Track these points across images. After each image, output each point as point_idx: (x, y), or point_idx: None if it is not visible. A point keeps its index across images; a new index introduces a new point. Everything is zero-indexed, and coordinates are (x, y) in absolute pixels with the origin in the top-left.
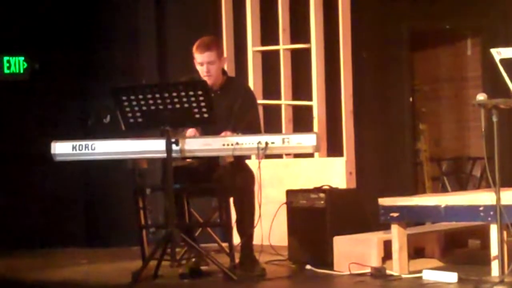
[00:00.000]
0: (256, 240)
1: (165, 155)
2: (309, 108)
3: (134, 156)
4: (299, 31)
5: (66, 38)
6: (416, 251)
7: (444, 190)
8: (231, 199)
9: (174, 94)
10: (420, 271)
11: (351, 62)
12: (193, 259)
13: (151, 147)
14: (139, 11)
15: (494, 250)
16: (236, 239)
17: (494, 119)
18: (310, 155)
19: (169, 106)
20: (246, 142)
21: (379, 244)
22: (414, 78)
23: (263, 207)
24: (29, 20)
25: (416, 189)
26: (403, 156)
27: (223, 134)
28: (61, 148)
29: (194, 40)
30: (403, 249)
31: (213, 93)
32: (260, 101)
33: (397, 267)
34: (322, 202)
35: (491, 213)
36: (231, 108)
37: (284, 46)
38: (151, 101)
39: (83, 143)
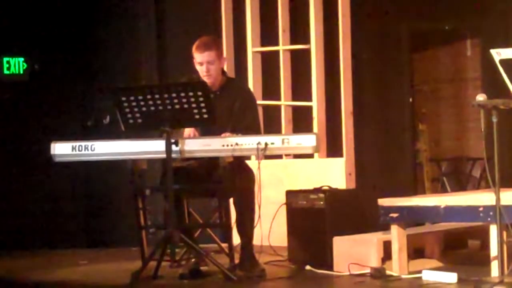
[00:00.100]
0: (256, 241)
1: (164, 155)
2: (309, 109)
3: (134, 157)
4: (299, 32)
5: (65, 39)
6: (415, 252)
7: (443, 190)
8: (231, 200)
9: (174, 94)
10: (419, 272)
11: (350, 63)
12: (193, 260)
13: (151, 147)
14: (139, 11)
15: (493, 250)
16: (236, 239)
17: (494, 119)
18: (310, 156)
19: (169, 107)
20: (246, 142)
21: (379, 244)
22: (413, 79)
23: (263, 208)
24: (29, 21)
25: (416, 190)
26: (403, 156)
27: (222, 135)
28: (61, 149)
29: (194, 41)
30: (403, 250)
31: (212, 94)
32: (259, 101)
33: (397, 267)
34: (321, 202)
35: (491, 213)
36: (230, 109)
37: (284, 46)
38: (150, 102)
39: (83, 143)
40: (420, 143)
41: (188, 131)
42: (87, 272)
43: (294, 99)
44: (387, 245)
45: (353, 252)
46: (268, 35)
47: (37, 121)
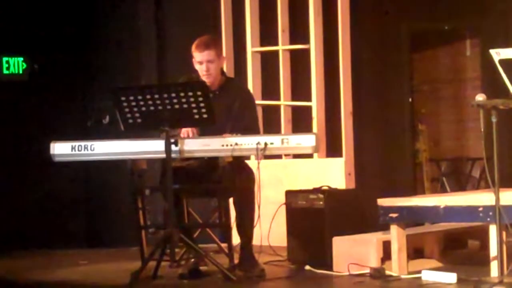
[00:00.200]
0: (255, 241)
1: (164, 155)
2: (308, 109)
3: (133, 157)
4: (298, 32)
5: (65, 39)
6: (415, 252)
7: (443, 190)
8: (231, 200)
9: (173, 94)
10: (419, 272)
11: (350, 63)
12: (192, 260)
13: (150, 147)
14: (138, 11)
15: (493, 250)
16: (235, 239)
17: (493, 119)
18: (309, 156)
19: (168, 107)
20: (245, 142)
21: (378, 244)
22: (413, 79)
23: (262, 208)
24: (29, 21)
25: (416, 190)
26: (403, 156)
27: (223, 135)
28: (60, 149)
29: (194, 40)
30: (402, 250)
31: (211, 93)
32: (259, 101)
33: (396, 267)
34: (321, 202)
35: (490, 213)
36: (229, 108)
37: (283, 46)
38: (150, 102)
39: (82, 143)
40: (420, 143)
41: (184, 130)
42: (87, 272)
43: (293, 99)
44: (386, 245)
45: (353, 252)
46: (267, 35)
47: (37, 121)
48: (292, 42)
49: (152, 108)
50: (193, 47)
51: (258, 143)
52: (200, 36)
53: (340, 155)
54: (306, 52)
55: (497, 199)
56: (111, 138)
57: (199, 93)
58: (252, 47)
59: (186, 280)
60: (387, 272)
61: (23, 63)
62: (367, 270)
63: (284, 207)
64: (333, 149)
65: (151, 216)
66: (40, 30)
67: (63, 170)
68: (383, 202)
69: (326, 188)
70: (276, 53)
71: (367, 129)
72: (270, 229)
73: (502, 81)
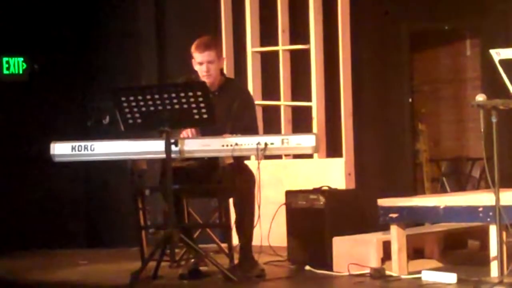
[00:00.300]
0: (256, 241)
1: (164, 156)
2: (309, 109)
3: (133, 157)
4: (299, 32)
5: (65, 39)
6: (415, 252)
7: (443, 190)
8: (231, 200)
9: (173, 95)
10: (419, 272)
11: (350, 63)
12: (192, 260)
13: (151, 148)
14: (138, 11)
15: (493, 250)
16: (235, 239)
17: (493, 119)
18: (310, 156)
19: (168, 107)
20: (246, 143)
21: (378, 244)
22: (413, 79)
23: (262, 208)
24: (29, 21)
25: (416, 190)
26: (403, 156)
27: (223, 136)
28: (61, 149)
29: (194, 40)
30: (402, 250)
31: (211, 94)
32: (259, 101)
33: (396, 267)
34: (321, 203)
35: (490, 213)
36: (229, 109)
37: (283, 46)
38: (150, 102)
39: (83, 144)
40: (420, 143)
41: (185, 131)
42: (87, 272)
43: (293, 99)
44: (386, 245)
45: (353, 252)
46: (267, 35)
47: (37, 121)
48: (292, 42)
49: (152, 108)
50: (193, 47)
51: (258, 143)
52: (200, 37)
53: (340, 155)
54: (306, 52)
55: (497, 199)
56: (111, 138)
57: (199, 93)
58: (252, 47)
59: (186, 281)
60: (387, 272)
61: (23, 63)
62: (367, 270)
63: (284, 207)
64: (333, 149)
65: (151, 216)
66: (40, 31)
67: (63, 170)
68: (383, 202)
69: (326, 188)
70: (276, 53)
71: (367, 129)
72: (270, 229)
73: (502, 81)
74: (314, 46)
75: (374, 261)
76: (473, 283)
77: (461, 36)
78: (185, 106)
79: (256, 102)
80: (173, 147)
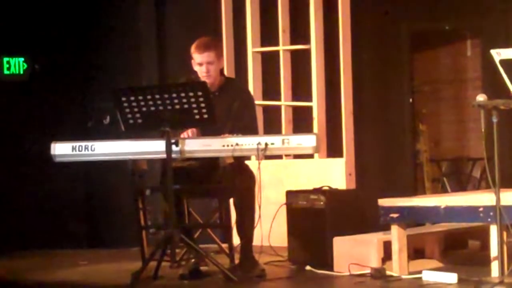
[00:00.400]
0: (256, 241)
1: (165, 156)
2: (309, 109)
3: (134, 157)
4: (299, 32)
5: (66, 39)
6: (416, 252)
7: (444, 190)
8: (231, 200)
9: (174, 95)
10: (420, 272)
11: (351, 63)
12: (193, 260)
13: (151, 148)
14: (139, 11)
15: (493, 250)
16: (236, 240)
17: (494, 120)
18: (310, 156)
19: (169, 107)
20: (246, 143)
21: (379, 244)
22: (414, 79)
23: (263, 208)
24: (29, 21)
25: (416, 190)
26: (403, 156)
27: (222, 136)
28: (61, 149)
29: (194, 41)
30: (403, 250)
31: (211, 94)
32: (259, 102)
33: (397, 267)
34: (321, 203)
35: (491, 213)
36: (229, 109)
37: (284, 47)
38: (150, 102)
39: (83, 144)
40: (420, 144)
41: (186, 131)
42: (88, 272)
43: (294, 99)
44: (387, 246)
45: (353, 252)
46: (268, 35)
47: (37, 121)
48: (292, 42)
49: (152, 108)
50: (193, 48)
51: (259, 143)
52: (200, 37)
53: (341, 156)
54: (307, 52)
55: (498, 200)
56: (112, 138)
57: (199, 93)
58: (252, 48)
59: (187, 281)
60: (388, 272)
61: (24, 64)
62: (368, 270)
63: (284, 207)
64: (333, 149)
65: (152, 217)
66: (41, 31)
67: (64, 171)
68: (383, 202)
69: (326, 188)
70: (276, 53)
71: (368, 129)
72: (271, 229)
73: (503, 81)
74: (315, 46)
75: (374, 261)
76: (473, 283)
77: (461, 36)
78: (186, 106)
79: (257, 102)
80: (173, 147)
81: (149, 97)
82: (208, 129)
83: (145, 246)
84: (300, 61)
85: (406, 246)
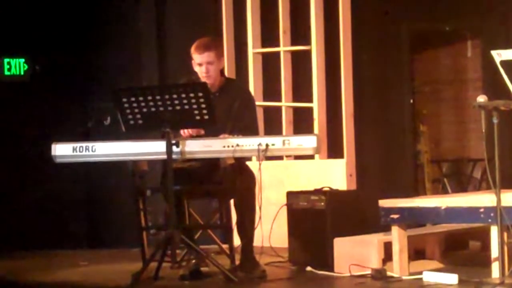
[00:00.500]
0: (257, 242)
1: (165, 156)
2: (310, 110)
3: (135, 158)
4: (300, 33)
5: (66, 40)
6: (416, 253)
7: (444, 191)
8: (232, 201)
9: (175, 96)
10: (420, 273)
11: (351, 64)
12: (193, 261)
13: (152, 148)
14: (139, 12)
15: (494, 251)
16: (237, 240)
17: (495, 120)
18: (311, 157)
19: (170, 108)
20: (247, 144)
21: (380, 245)
22: (414, 80)
23: (264, 209)
24: (30, 22)
25: (417, 191)
26: (404, 157)
27: (221, 136)
28: (62, 150)
29: (194, 41)
30: (404, 251)
31: (211, 94)
32: (260, 103)
33: (398, 268)
34: (322, 203)
35: (492, 214)
36: (229, 109)
37: (284, 48)
38: (151, 103)
39: (84, 144)
40: (421, 144)
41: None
42: (88, 273)
43: (294, 100)
44: (387, 246)
45: (354, 253)
46: (268, 36)
47: (38, 122)
48: (293, 43)
49: (153, 109)
50: (192, 49)
51: (260, 144)
52: (200, 37)
53: (341, 156)
54: (307, 53)
55: (498, 200)
56: (112, 139)
57: (200, 94)
58: (253, 48)
59: (187, 281)
60: (388, 273)
61: (25, 64)
62: (368, 271)
63: (285, 208)
64: (334, 150)
65: (152, 217)
66: (41, 32)
67: (64, 171)
68: (384, 203)
69: (327, 189)
70: (277, 54)
71: (368, 130)
72: (271, 230)
73: (503, 82)
74: (315, 47)
75: (375, 262)
76: (474, 284)
77: (462, 37)
78: (186, 107)
79: (257, 103)
80: (174, 148)
81: (149, 97)
82: (208, 130)
83: (145, 247)
84: (300, 62)
85: (406, 247)
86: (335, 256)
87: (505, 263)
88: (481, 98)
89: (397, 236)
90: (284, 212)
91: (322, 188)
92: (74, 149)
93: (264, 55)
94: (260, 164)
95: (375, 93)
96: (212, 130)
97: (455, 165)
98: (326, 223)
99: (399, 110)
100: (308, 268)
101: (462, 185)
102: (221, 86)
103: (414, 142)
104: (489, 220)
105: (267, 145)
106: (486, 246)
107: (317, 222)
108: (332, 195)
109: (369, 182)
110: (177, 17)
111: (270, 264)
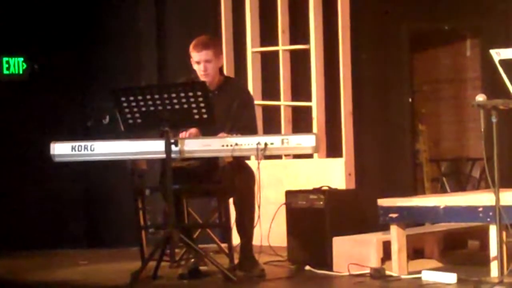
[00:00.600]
0: (256, 241)
1: (164, 156)
2: (308, 109)
3: (134, 157)
4: (299, 32)
5: (65, 39)
6: (415, 252)
7: (443, 190)
8: (231, 200)
9: (173, 95)
10: (419, 272)
11: (350, 63)
12: (192, 260)
13: (151, 148)
14: (139, 11)
15: (493, 250)
16: (236, 239)
17: (493, 120)
18: (310, 156)
19: (168, 107)
20: (246, 143)
21: (378, 244)
22: (413, 79)
23: (262, 208)
24: (29, 21)
25: (416, 190)
26: (403, 156)
27: (220, 135)
28: (61, 149)
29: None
30: (402, 250)
31: (210, 93)
32: (259, 101)
33: (396, 267)
34: (321, 203)
35: (490, 213)
36: (228, 108)
37: (283, 47)
38: (150, 102)
39: (83, 144)
40: (420, 144)
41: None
42: (87, 272)
43: (293, 99)
44: (386, 246)
45: (353, 252)
46: (267, 35)
47: (37, 121)
48: (292, 42)
49: (152, 108)
50: (191, 47)
51: (258, 143)
52: (198, 36)
53: (340, 155)
54: (306, 52)
55: (497, 200)
56: (111, 138)
57: (199, 93)
58: (252, 48)
59: (186, 280)
60: (387, 272)
61: (23, 63)
62: (367, 270)
63: (284, 207)
64: (333, 149)
65: (151, 216)
66: (40, 30)
67: (63, 170)
68: (383, 202)
69: (326, 188)
70: (276, 53)
71: (367, 129)
72: (270, 229)
73: (502, 81)
74: (314, 46)
75: (374, 261)
76: (473, 283)
77: (461, 36)
78: (185, 106)
79: (256, 102)
80: (173, 147)
81: (148, 97)
82: (207, 129)
83: (144, 246)
84: (299, 61)
85: (405, 246)
86: (334, 255)
87: (504, 262)
88: (480, 97)
89: (396, 235)
90: (283, 211)
91: (321, 187)
92: (73, 148)
93: (263, 54)
94: (259, 163)
95: (374, 92)
96: (211, 129)
97: (454, 164)
98: (325, 222)
99: (398, 109)
100: (307, 267)
101: (461, 184)
102: (220, 84)
103: (413, 141)
104: (488, 219)
105: (266, 144)
106: (485, 245)
107: (316, 221)
108: (331, 194)
109: (368, 181)
110: (177, 17)
111: (269, 263)
